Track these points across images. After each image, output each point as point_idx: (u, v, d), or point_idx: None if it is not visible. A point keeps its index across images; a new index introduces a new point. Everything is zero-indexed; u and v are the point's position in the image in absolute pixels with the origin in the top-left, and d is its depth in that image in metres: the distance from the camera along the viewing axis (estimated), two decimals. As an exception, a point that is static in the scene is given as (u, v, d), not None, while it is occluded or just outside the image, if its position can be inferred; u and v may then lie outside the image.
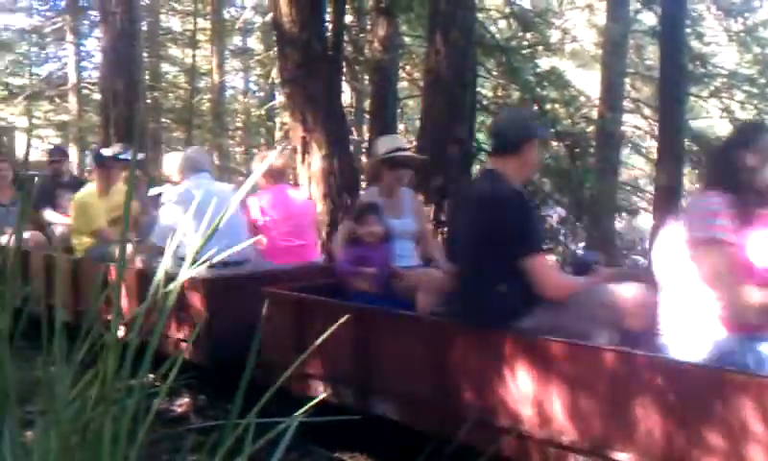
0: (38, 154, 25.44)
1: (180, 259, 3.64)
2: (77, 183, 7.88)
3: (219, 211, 1.72)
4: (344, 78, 10.09)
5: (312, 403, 1.92)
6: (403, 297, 4.17)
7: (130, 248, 5.71)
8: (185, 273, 1.73)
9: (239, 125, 23.85)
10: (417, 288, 4.12)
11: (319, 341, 1.73)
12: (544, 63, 11.55)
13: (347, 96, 11.47)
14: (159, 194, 5.97)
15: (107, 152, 7.01)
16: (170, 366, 1.65)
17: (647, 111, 16.00)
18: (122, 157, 6.77)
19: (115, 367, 1.51)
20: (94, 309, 2.11)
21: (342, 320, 1.91)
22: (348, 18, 10.16)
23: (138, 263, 5.59)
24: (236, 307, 4.33)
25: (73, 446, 1.73)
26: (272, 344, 3.73)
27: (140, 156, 8.99)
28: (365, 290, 4.37)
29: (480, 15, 9.32)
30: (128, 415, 1.58)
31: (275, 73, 19.49)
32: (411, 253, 5.11)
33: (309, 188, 8.17)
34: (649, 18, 13.02)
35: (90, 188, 6.69)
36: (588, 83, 15.39)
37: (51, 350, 1.70)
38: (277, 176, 5.80)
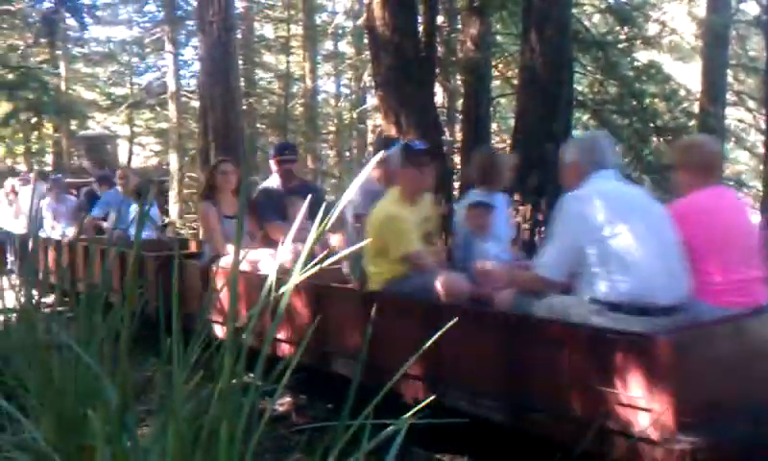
0: (140, 160, 26.47)
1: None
2: (308, 189, 5.90)
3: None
4: (436, 78, 10.06)
5: (420, 406, 1.91)
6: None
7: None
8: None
9: (331, 129, 24.14)
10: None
11: (428, 343, 1.72)
12: (642, 57, 11.24)
13: (438, 96, 11.42)
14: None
15: (416, 144, 4.96)
16: (284, 368, 1.68)
17: (751, 104, 15.41)
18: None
19: (233, 368, 1.53)
20: (204, 313, 2.17)
21: (450, 323, 1.89)
22: (440, 19, 10.12)
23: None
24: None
25: (188, 443, 1.77)
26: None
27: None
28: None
29: (575, 10, 9.13)
30: (244, 415, 1.61)
31: (366, 76, 19.73)
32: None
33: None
34: (752, 8, 12.49)
35: (393, 196, 4.59)
36: (687, 76, 14.90)
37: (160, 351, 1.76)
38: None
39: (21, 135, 21.51)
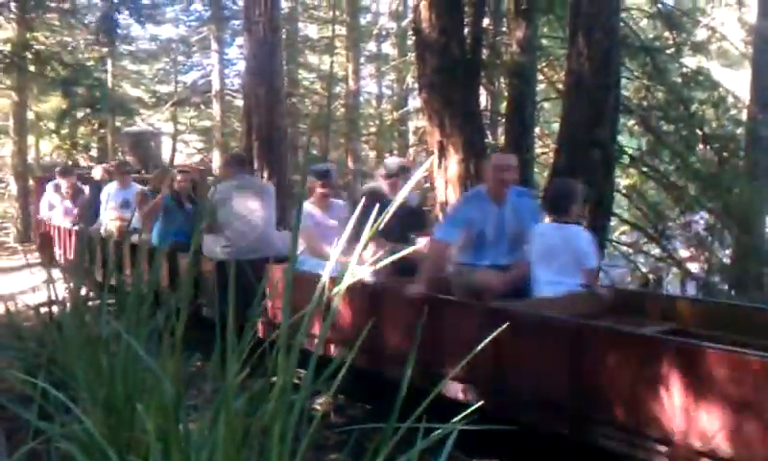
0: (182, 158, 26.81)
1: None
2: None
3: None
4: (480, 81, 10.02)
5: (469, 411, 1.91)
6: None
7: None
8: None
9: (372, 130, 24.19)
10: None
11: (479, 347, 1.72)
12: (690, 63, 11.07)
13: (481, 98, 11.38)
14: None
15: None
16: (336, 368, 1.69)
17: (802, 112, 15.05)
18: None
19: (286, 367, 1.55)
20: (256, 312, 2.19)
21: (503, 327, 1.88)
22: (485, 21, 10.08)
23: None
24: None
25: (239, 438, 1.79)
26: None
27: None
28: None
29: (623, 15, 9.02)
30: (295, 413, 1.62)
31: (409, 78, 19.73)
32: None
33: (446, 193, 8.18)
34: (805, 13, 12.23)
35: None
36: (736, 82, 14.63)
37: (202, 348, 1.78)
38: None
39: (67, 131, 21.86)
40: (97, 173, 11.36)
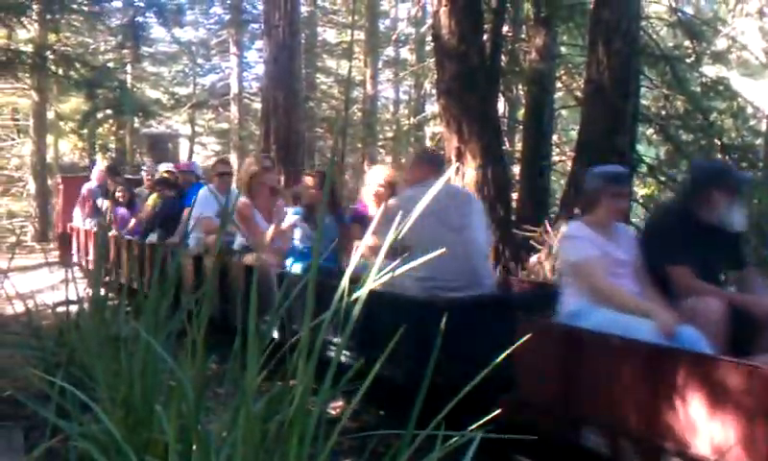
0: (200, 159, 26.94)
1: None
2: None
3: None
4: (499, 88, 10.03)
5: (489, 417, 1.91)
6: None
7: None
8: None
9: (389, 135, 24.21)
10: None
11: (503, 355, 1.72)
12: (709, 72, 11.02)
13: (499, 105, 11.38)
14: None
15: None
16: (354, 375, 1.69)
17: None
18: None
19: (307, 372, 1.56)
20: (274, 318, 2.20)
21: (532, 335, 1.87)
22: (505, 28, 10.08)
23: None
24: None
25: (258, 440, 1.80)
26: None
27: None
28: None
29: (643, 23, 8.99)
30: (314, 418, 1.63)
31: (427, 84, 19.74)
32: None
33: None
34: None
35: None
36: (756, 92, 14.53)
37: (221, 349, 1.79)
38: None
39: (86, 131, 22.02)
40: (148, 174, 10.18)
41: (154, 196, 8.76)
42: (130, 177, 11.53)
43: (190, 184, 8.73)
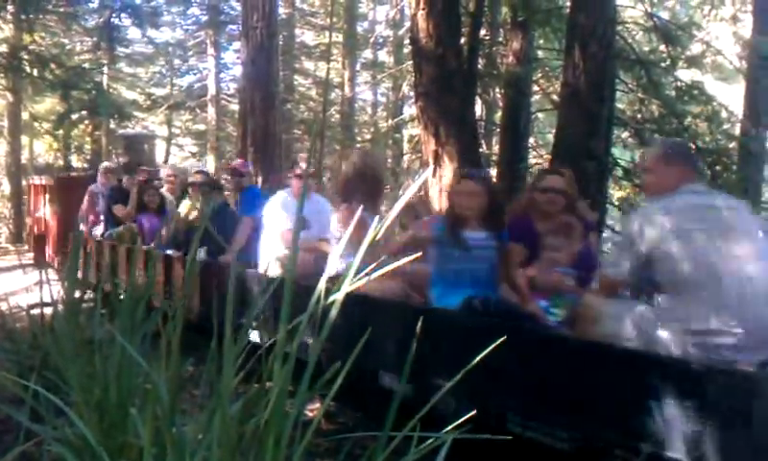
0: (176, 161, 26.77)
1: None
2: None
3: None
4: (476, 91, 10.07)
5: (462, 420, 1.92)
6: None
7: None
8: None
9: (367, 137, 24.24)
10: None
11: (475, 361, 1.73)
12: (684, 77, 11.14)
13: (477, 109, 11.43)
14: None
15: None
16: (332, 377, 1.70)
17: (794, 127, 15.15)
18: None
19: (284, 374, 1.56)
20: (250, 319, 2.19)
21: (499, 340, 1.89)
22: (482, 32, 10.13)
23: None
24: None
25: (234, 442, 1.80)
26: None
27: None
28: None
29: (619, 28, 9.07)
30: (290, 420, 1.63)
31: (405, 86, 19.79)
32: None
33: (440, 201, 8.19)
34: (800, 30, 12.33)
35: None
36: (730, 97, 14.71)
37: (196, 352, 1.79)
38: None
39: (61, 132, 21.82)
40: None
41: (187, 202, 7.57)
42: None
43: (241, 188, 7.42)
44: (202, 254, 6.61)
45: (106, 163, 10.43)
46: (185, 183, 8.18)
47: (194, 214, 7.37)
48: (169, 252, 6.83)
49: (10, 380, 3.61)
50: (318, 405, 5.40)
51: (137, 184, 8.46)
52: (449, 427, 1.87)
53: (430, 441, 1.82)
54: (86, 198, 9.31)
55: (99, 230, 8.81)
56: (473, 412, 2.02)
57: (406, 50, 17.62)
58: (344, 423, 5.02)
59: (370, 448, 1.71)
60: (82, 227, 8.93)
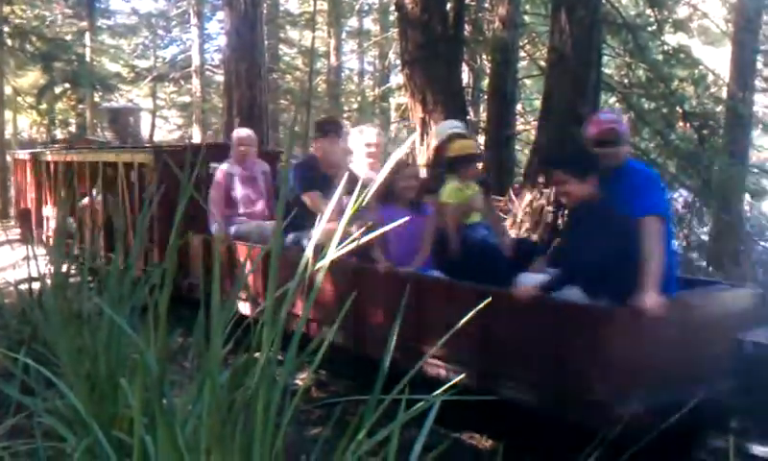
0: (162, 134, 26.61)
1: None
2: None
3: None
4: (463, 57, 10.03)
5: (449, 385, 1.93)
6: None
7: None
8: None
9: (354, 106, 24.12)
10: None
11: (459, 325, 1.74)
12: (671, 41, 11.12)
13: (464, 75, 11.38)
14: None
15: None
16: (317, 346, 1.70)
17: (781, 90, 15.26)
18: None
19: (271, 343, 1.56)
20: (237, 288, 2.20)
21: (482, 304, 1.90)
22: (468, -3, 10.08)
23: None
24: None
25: (224, 411, 1.81)
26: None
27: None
28: None
29: (605, -9, 9.02)
30: (279, 387, 1.64)
31: (391, 54, 19.67)
32: None
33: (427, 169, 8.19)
34: (786, -7, 12.33)
35: None
36: (716, 60, 14.72)
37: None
38: None
39: (45, 106, 21.60)
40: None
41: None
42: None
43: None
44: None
45: (245, 131, 7.24)
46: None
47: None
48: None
49: (-1, 354, 3.61)
50: (307, 374, 5.45)
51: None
52: (439, 390, 1.88)
53: (420, 404, 1.84)
54: (217, 180, 6.62)
55: (243, 227, 6.43)
56: (462, 375, 2.04)
57: (392, 17, 17.50)
58: (335, 391, 5.07)
59: (359, 412, 1.73)
60: (213, 225, 6.47)
